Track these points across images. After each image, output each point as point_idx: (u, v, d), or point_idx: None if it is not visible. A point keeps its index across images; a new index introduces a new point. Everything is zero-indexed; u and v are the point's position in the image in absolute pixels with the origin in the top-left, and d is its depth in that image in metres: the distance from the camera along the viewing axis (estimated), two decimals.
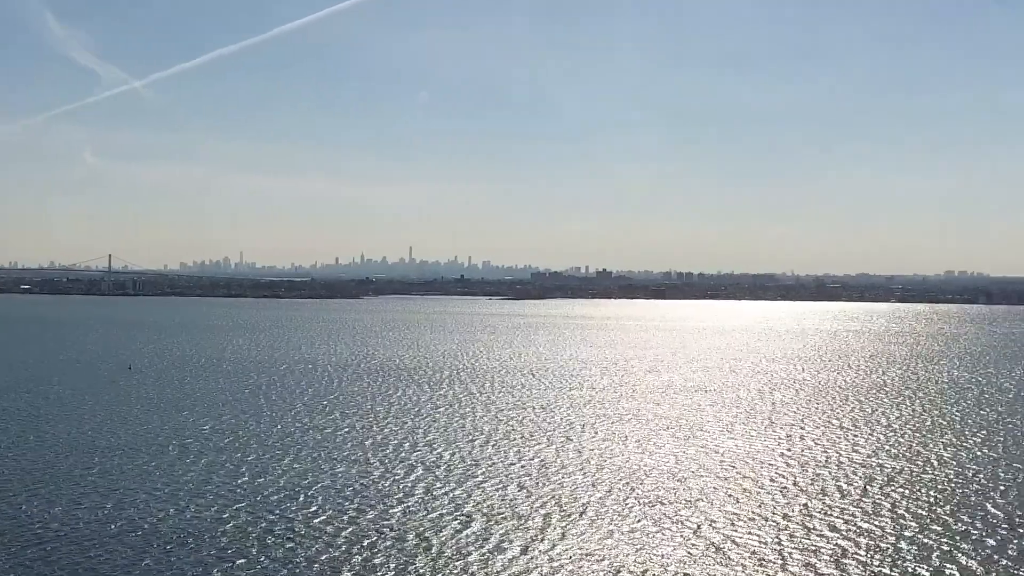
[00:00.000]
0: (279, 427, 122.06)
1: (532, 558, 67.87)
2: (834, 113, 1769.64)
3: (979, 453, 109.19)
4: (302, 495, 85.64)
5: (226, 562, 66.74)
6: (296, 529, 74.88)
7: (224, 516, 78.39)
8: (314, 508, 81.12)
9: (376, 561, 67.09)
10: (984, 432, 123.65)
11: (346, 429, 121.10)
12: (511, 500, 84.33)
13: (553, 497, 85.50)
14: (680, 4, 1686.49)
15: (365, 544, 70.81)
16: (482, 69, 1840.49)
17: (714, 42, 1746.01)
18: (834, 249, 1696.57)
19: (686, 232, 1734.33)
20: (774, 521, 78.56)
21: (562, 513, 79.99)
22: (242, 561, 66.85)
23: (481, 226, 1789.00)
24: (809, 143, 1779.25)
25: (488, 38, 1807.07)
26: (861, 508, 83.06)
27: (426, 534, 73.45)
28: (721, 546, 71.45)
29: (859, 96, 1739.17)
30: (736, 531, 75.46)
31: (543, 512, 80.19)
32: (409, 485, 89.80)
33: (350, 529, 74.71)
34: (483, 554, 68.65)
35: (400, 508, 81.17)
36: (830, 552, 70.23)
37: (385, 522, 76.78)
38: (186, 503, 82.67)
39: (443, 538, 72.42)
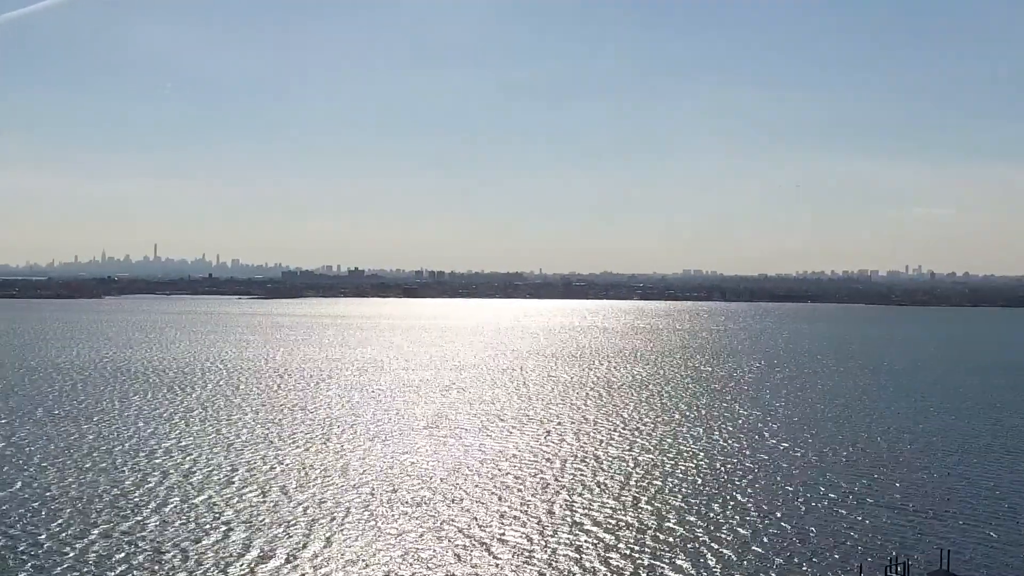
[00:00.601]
0: (17, 436, 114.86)
1: (297, 566, 66.19)
2: (566, 116, 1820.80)
3: (725, 444, 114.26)
4: (46, 509, 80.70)
5: None
6: (42, 545, 70.39)
7: None
8: (61, 522, 76.54)
9: None
10: (729, 424, 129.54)
11: (92, 436, 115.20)
12: (273, 506, 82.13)
13: (316, 502, 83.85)
14: (415, 4, 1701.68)
15: (118, 559, 67.29)
16: (225, 64, 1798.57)
17: (446, 42, 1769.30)
18: (579, 249, 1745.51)
19: (436, 231, 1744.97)
20: (538, 517, 79.63)
21: (327, 518, 78.50)
22: None
23: (229, 223, 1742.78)
24: (551, 145, 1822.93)
25: (230, 33, 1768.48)
26: (621, 502, 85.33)
27: (184, 545, 70.51)
28: (489, 545, 71.78)
29: (575, 99, 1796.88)
30: (502, 529, 76.03)
31: (307, 518, 78.47)
32: (164, 494, 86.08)
33: (102, 543, 70.85)
34: (246, 564, 66.43)
35: (156, 519, 77.65)
36: (595, 546, 71.72)
37: (140, 534, 73.24)
38: None
39: (203, 549, 69.70)
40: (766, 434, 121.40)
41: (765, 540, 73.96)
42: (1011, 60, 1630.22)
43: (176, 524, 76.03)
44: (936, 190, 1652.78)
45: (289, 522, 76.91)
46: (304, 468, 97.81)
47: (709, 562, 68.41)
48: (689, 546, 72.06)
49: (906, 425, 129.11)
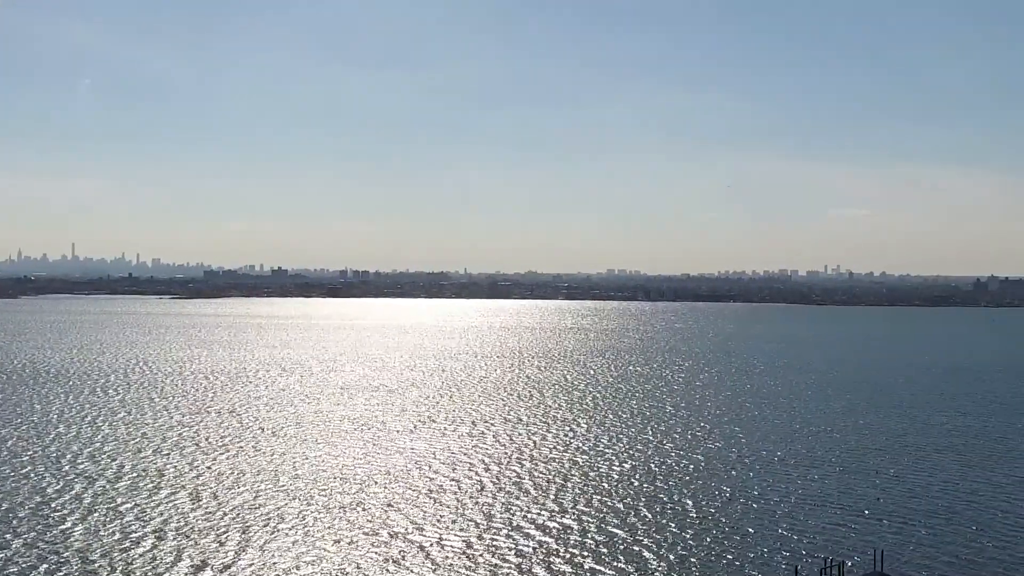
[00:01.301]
0: None
1: (232, 575, 64.65)
2: (493, 117, 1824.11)
3: (659, 445, 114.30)
4: None
5: None
6: None
7: None
8: None
9: None
10: (662, 424, 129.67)
11: (12, 441, 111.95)
12: (204, 512, 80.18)
13: (249, 507, 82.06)
14: (343, 4, 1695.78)
15: (44, 569, 65.08)
16: (145, 61, 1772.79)
17: (373, 42, 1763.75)
18: (504, 248, 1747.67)
19: (361, 230, 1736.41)
20: (476, 521, 78.70)
21: (261, 524, 76.80)
22: None
23: (149, 223, 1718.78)
24: (478, 146, 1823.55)
25: (152, 30, 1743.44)
26: (559, 504, 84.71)
27: (113, 554, 68.45)
28: (428, 549, 70.72)
29: (503, 100, 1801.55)
30: (440, 533, 74.98)
31: (240, 523, 76.73)
32: (90, 501, 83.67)
33: (26, 552, 68.53)
34: (178, 573, 64.71)
35: (82, 527, 75.37)
36: (536, 549, 70.96)
37: (66, 543, 70.92)
38: None
39: (132, 557, 67.71)
40: (699, 434, 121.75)
41: (705, 542, 73.86)
42: (927, 65, 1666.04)
43: (103, 533, 73.90)
44: (854, 192, 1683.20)
45: (221, 529, 75.16)
46: (234, 473, 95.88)
47: (650, 564, 68.12)
48: (628, 549, 71.69)
49: (836, 424, 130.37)
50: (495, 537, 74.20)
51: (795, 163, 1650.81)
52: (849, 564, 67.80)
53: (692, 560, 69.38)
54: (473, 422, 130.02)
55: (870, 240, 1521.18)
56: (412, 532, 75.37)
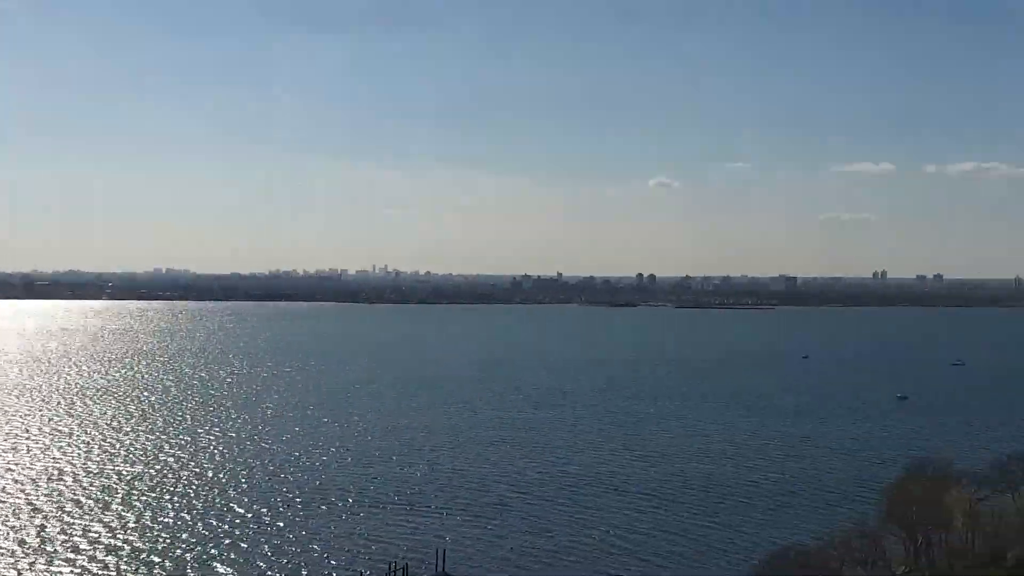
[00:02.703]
0: None
1: None
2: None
3: (214, 451, 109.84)
4: None
5: None
6: None
7: None
8: None
9: None
10: (218, 429, 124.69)
11: None
12: None
13: None
14: None
15: None
16: None
17: None
18: (41, 245, 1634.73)
19: None
20: (8, 549, 71.39)
21: None
22: None
23: None
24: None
25: None
26: (107, 522, 78.47)
27: None
28: None
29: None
30: None
31: None
32: None
33: None
34: None
35: None
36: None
37: None
38: None
39: None
40: (255, 437, 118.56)
41: (265, 551, 71.34)
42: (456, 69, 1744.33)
43: None
44: (402, 194, 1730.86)
45: None
46: None
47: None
48: (208, 561, 67.90)
49: (391, 421, 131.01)
50: (34, 566, 67.60)
51: (346, 163, 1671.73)
52: (415, 566, 67.81)
53: (247, 571, 66.74)
54: (10, 436, 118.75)
55: (416, 240, 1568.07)
56: None
